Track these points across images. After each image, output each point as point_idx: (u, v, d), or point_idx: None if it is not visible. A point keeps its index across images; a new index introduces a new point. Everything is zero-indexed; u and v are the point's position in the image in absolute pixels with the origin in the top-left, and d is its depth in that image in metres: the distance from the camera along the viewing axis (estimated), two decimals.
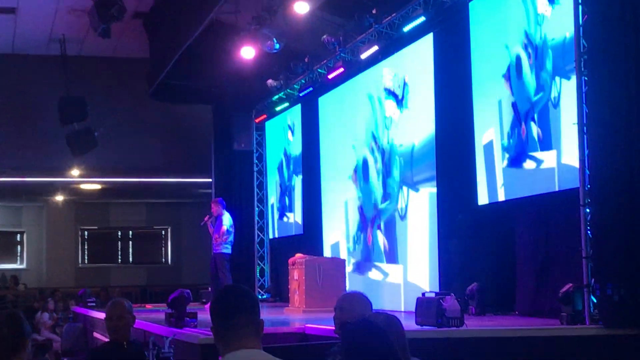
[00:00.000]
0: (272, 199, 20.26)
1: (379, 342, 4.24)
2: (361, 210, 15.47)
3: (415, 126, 13.65)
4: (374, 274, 14.78)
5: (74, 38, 20.98)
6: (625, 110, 8.66)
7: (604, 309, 8.66)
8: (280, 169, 19.81)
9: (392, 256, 14.19)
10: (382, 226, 14.57)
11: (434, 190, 12.98)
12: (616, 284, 8.46)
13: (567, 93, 10.27)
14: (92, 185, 26.02)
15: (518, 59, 11.47)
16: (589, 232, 9.01)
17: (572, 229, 9.57)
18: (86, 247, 28.41)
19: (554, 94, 10.69)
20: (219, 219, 15.86)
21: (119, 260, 28.85)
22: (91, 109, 19.89)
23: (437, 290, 11.29)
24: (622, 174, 8.60)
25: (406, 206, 13.80)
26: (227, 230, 15.62)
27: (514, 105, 11.55)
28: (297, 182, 18.66)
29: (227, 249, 15.88)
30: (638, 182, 8.53)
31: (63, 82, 20.30)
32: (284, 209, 19.43)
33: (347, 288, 14.28)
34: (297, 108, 18.68)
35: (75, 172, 24.05)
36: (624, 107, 8.67)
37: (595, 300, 8.87)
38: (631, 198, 8.54)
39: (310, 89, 17.10)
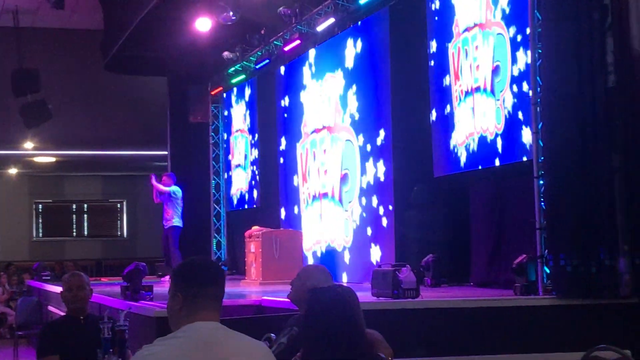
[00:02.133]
0: (229, 170, 20.21)
1: (343, 309, 4.32)
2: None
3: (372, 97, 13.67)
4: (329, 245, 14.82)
5: (27, 9, 20.72)
6: (578, 82, 8.73)
7: (557, 279, 8.77)
8: (236, 141, 19.74)
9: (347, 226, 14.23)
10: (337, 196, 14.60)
11: (390, 161, 13.01)
12: (569, 255, 8.56)
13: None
14: (46, 158, 25.79)
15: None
16: (542, 203, 9.10)
17: (526, 200, 9.67)
18: (40, 220, 28.19)
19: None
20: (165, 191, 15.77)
21: (74, 233, 28.68)
22: (45, 81, 19.68)
23: (393, 261, 11.35)
24: (575, 146, 8.69)
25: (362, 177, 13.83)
26: (173, 192, 15.62)
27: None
28: (254, 154, 18.61)
29: (178, 222, 15.71)
30: (591, 155, 8.62)
31: (16, 54, 20.07)
32: (240, 181, 19.39)
33: (304, 261, 14.30)
34: (254, 80, 18.62)
35: (29, 144, 23.83)
36: (576, 79, 8.74)
37: (548, 271, 8.98)
38: (584, 170, 8.63)
39: (267, 61, 17.03)
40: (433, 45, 12.41)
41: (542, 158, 9.14)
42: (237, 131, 19.69)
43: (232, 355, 3.55)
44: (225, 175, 20.37)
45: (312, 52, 15.74)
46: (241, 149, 19.37)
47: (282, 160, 17.16)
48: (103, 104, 23.85)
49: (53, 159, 25.80)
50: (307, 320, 4.46)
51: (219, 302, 3.70)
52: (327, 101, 15.05)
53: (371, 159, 13.50)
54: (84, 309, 6.69)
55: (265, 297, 10.14)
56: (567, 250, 8.60)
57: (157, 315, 8.72)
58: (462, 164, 11.69)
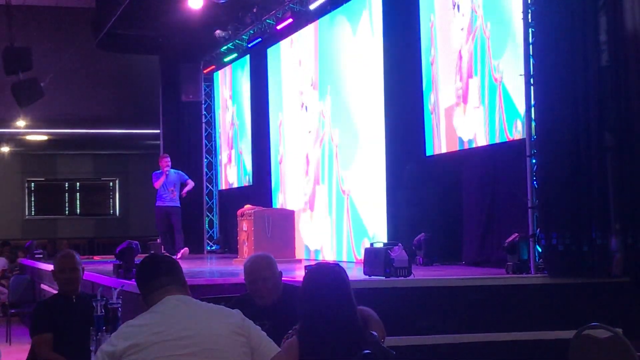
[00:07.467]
0: (223, 149, 20.20)
1: (339, 284, 4.47)
2: (307, 158, 15.48)
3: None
4: (323, 223, 14.83)
5: None
6: (571, 60, 8.72)
7: (549, 258, 8.78)
8: (228, 120, 19.72)
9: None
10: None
11: (383, 140, 13.00)
12: (561, 233, 8.57)
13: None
14: (38, 137, 25.73)
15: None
16: (534, 182, 9.11)
17: (519, 179, 9.66)
18: (33, 198, 28.18)
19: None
20: (169, 173, 16.01)
21: (66, 212, 28.67)
22: (37, 59, 19.57)
23: (385, 240, 11.35)
24: (568, 125, 8.69)
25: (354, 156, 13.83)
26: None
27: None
28: (247, 132, 18.59)
29: (179, 202, 16.22)
30: (583, 134, 8.62)
31: (7, 32, 19.95)
32: (233, 160, 19.39)
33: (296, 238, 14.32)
34: (246, 59, 18.58)
35: (21, 123, 23.77)
36: (569, 58, 8.73)
37: (540, 250, 8.98)
38: (576, 149, 8.63)
39: (259, 39, 16.98)
40: (425, 25, 12.41)
41: (535, 137, 9.13)
42: (229, 110, 19.66)
43: (205, 320, 3.86)
44: (218, 154, 20.35)
45: (303, 31, 15.69)
46: (234, 127, 19.35)
47: (273, 138, 17.15)
48: (95, 83, 23.79)
49: (45, 138, 25.74)
50: (304, 295, 4.54)
51: (179, 286, 4.07)
52: (316, 80, 15.02)
53: (363, 138, 13.49)
54: (77, 289, 6.70)
55: None
56: (559, 229, 8.61)
57: None
58: (453, 142, 11.69)
